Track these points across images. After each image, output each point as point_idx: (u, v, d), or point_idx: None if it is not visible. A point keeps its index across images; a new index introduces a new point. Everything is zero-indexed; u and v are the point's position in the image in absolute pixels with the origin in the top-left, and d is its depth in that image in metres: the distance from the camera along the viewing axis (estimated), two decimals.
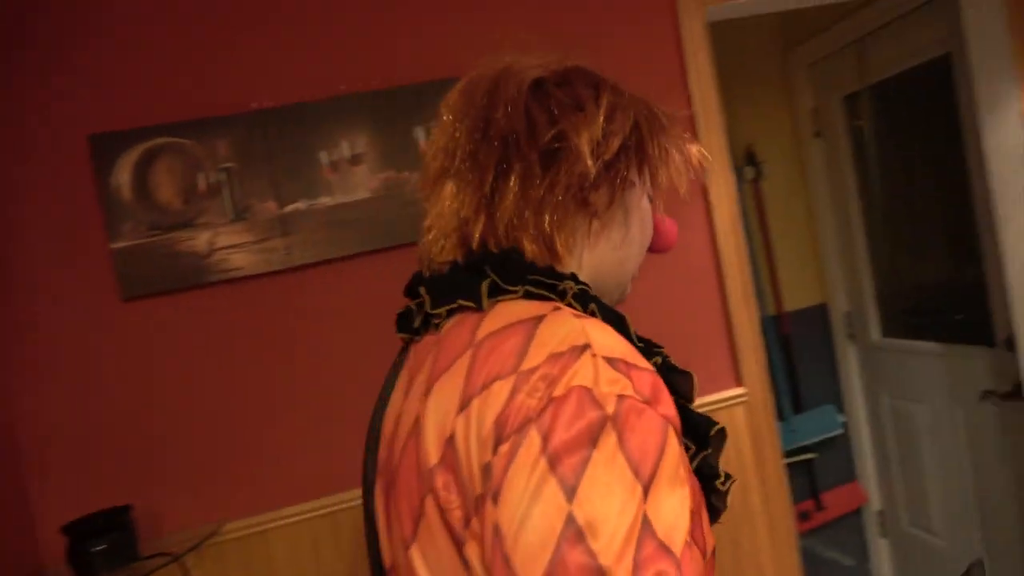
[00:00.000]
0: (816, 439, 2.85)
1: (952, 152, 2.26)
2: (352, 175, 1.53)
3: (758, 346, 1.78)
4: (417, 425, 0.63)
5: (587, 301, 0.67)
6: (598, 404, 0.54)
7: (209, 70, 1.54)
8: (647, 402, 0.57)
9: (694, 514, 0.59)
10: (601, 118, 0.70)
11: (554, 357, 0.57)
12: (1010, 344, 2.17)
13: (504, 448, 0.54)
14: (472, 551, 0.57)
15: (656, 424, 0.56)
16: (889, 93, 2.51)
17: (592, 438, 0.53)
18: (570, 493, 0.51)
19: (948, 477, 2.47)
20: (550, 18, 1.67)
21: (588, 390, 0.55)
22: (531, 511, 0.51)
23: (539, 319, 0.61)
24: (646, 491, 0.53)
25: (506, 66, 0.75)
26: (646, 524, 0.51)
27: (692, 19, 1.73)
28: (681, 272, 1.74)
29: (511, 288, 0.67)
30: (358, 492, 1.52)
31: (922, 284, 2.60)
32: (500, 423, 0.55)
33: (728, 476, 0.69)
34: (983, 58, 2.03)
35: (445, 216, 0.73)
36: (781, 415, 2.89)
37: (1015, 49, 1.93)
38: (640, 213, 0.79)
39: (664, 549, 0.51)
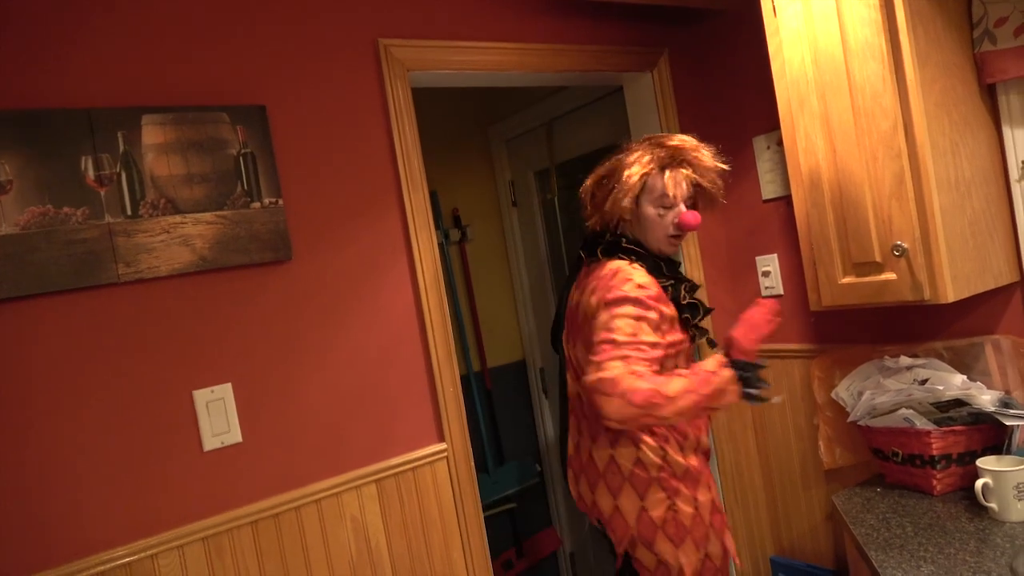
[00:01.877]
0: (515, 489, 3.00)
1: None
2: None
3: (459, 403, 1.82)
4: (580, 303, 1.69)
5: (630, 253, 1.69)
6: (616, 299, 1.57)
7: None
8: (630, 300, 1.56)
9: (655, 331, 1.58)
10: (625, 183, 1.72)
11: (606, 283, 1.62)
12: None
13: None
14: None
15: (626, 308, 1.54)
16: (572, 172, 2.83)
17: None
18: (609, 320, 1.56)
19: None
20: (249, 58, 1.60)
21: (614, 298, 1.58)
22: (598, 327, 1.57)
23: (610, 267, 1.65)
24: (612, 312, 1.56)
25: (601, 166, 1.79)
26: (611, 331, 1.53)
27: (396, 81, 1.77)
28: (386, 329, 1.73)
29: (606, 252, 1.72)
30: None
31: None
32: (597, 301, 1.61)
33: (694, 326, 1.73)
34: None
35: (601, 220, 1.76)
36: (485, 467, 3.00)
37: None
38: (645, 214, 1.72)
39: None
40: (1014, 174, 1.69)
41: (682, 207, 1.72)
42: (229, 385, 1.51)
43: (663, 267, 1.72)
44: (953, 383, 1.68)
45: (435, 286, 1.80)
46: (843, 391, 1.90)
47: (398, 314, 1.76)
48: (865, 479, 1.91)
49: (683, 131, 2.33)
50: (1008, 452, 1.59)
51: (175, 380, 1.46)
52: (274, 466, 1.56)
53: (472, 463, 1.83)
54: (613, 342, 1.49)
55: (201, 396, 1.48)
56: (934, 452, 1.65)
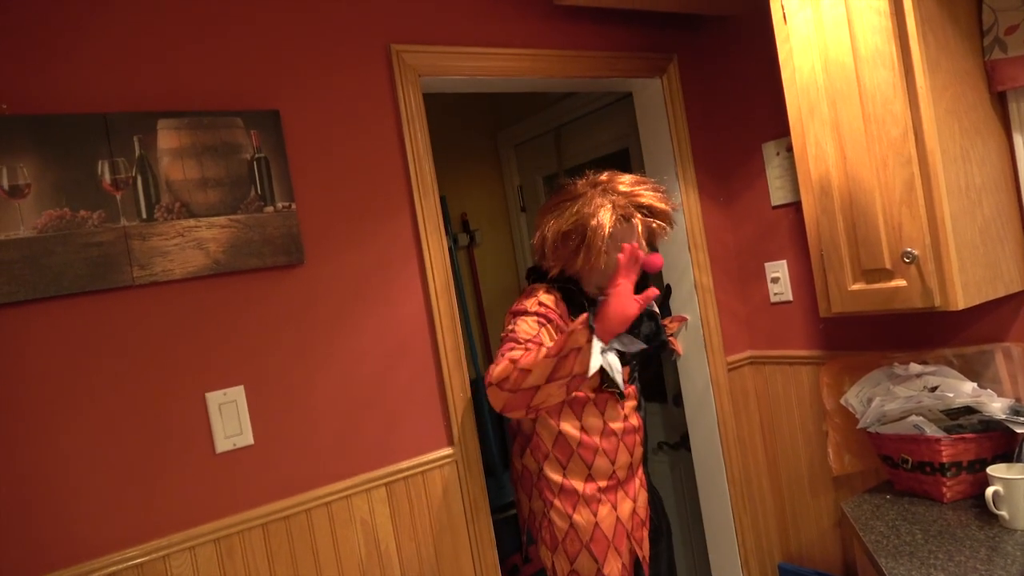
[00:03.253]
0: None
1: None
2: (9, 209, 1.29)
3: (469, 407, 1.83)
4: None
5: (556, 287, 1.83)
6: (520, 311, 1.77)
7: None
8: (529, 313, 1.74)
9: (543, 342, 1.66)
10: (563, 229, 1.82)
11: (517, 302, 1.81)
12: (677, 401, 2.51)
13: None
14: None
15: (530, 317, 1.71)
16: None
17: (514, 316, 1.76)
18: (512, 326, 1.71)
19: None
20: (263, 63, 1.61)
21: (518, 309, 1.78)
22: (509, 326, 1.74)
23: (528, 289, 1.87)
24: (516, 320, 1.73)
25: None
26: (513, 332, 1.68)
27: (408, 87, 1.79)
28: (397, 333, 1.74)
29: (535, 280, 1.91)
30: None
31: None
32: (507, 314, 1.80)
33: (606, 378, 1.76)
34: (652, 156, 2.40)
35: (565, 269, 1.85)
36: (492, 472, 2.99)
37: (675, 150, 2.31)
38: (612, 261, 1.77)
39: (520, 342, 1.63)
40: None
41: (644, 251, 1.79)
42: (241, 387, 1.52)
43: (585, 307, 1.80)
44: (963, 390, 1.68)
45: (446, 291, 1.81)
46: (852, 398, 1.90)
47: (408, 318, 1.76)
48: (874, 486, 1.91)
49: (692, 137, 2.34)
50: (1019, 460, 1.59)
51: (188, 382, 1.47)
52: (285, 468, 1.57)
53: (482, 467, 1.84)
54: (515, 340, 1.63)
55: (213, 398, 1.49)
56: (944, 459, 1.65)
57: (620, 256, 1.57)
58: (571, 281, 1.83)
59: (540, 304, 1.75)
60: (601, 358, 1.50)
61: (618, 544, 1.83)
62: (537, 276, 1.90)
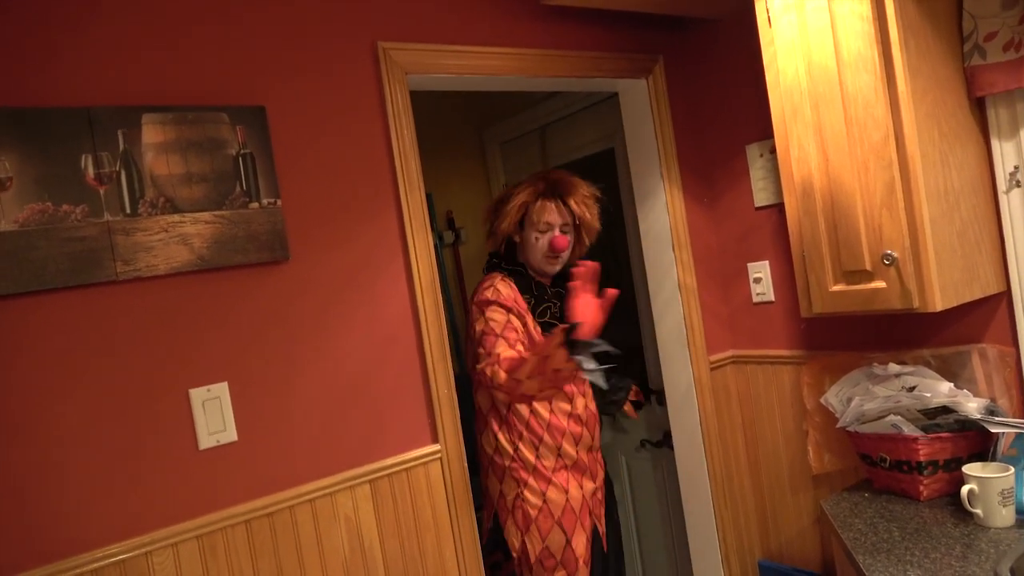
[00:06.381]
0: None
1: (617, 231, 2.62)
2: None
3: (453, 404, 1.83)
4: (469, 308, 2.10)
5: (505, 270, 2.09)
6: (483, 301, 1.99)
7: None
8: (493, 302, 1.97)
9: (518, 333, 1.96)
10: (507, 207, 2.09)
11: (479, 289, 2.04)
12: (660, 400, 2.53)
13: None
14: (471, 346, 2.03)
15: (494, 308, 1.96)
16: None
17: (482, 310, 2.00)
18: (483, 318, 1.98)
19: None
20: (250, 59, 1.61)
21: (481, 300, 2.00)
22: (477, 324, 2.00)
23: (486, 277, 2.08)
24: (485, 311, 1.98)
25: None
26: (490, 326, 1.96)
27: (395, 84, 1.78)
28: (382, 330, 1.74)
29: (488, 268, 2.16)
30: None
31: None
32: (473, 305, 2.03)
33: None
34: (637, 156, 2.41)
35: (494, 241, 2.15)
36: (476, 469, 2.99)
37: (660, 151, 2.33)
38: (526, 240, 2.09)
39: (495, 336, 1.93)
40: (1001, 185, 1.72)
41: (556, 232, 2.05)
42: (225, 384, 1.52)
43: (532, 286, 2.08)
44: (940, 390, 1.71)
45: (431, 288, 1.81)
46: (832, 397, 1.92)
47: (394, 315, 1.76)
48: (853, 484, 1.94)
49: (677, 138, 2.36)
50: (993, 459, 1.62)
51: (172, 378, 1.47)
52: (269, 465, 1.56)
53: (465, 464, 1.84)
54: (492, 332, 1.91)
55: (197, 395, 1.48)
56: (921, 458, 1.68)
57: (576, 271, 1.75)
58: (519, 264, 2.10)
59: (496, 291, 1.98)
60: (590, 362, 1.67)
61: (583, 519, 1.98)
62: (492, 265, 2.13)
